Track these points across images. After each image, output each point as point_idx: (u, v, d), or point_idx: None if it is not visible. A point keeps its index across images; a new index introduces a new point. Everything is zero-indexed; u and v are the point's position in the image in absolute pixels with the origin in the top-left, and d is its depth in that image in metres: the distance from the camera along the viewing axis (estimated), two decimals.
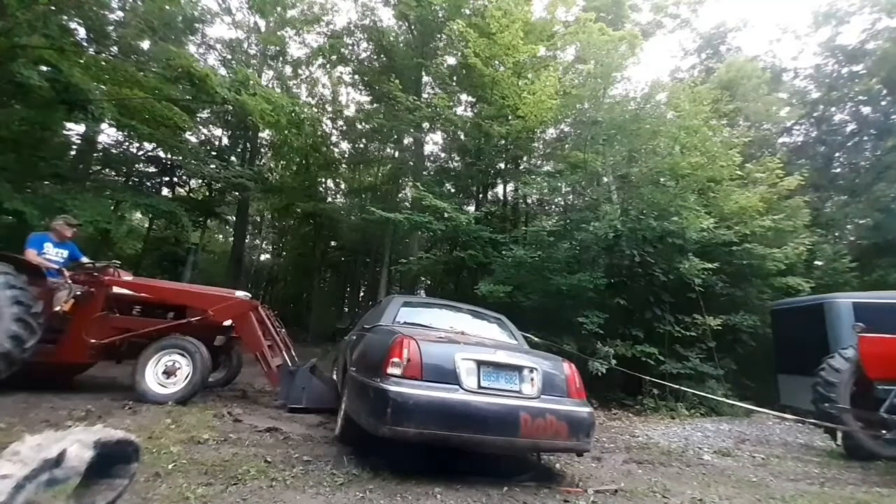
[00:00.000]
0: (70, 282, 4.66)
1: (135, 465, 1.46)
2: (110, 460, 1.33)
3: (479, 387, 2.92)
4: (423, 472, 2.98)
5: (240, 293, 5.25)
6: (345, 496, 2.49)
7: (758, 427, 6.42)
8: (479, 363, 2.99)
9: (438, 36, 14.30)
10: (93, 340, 4.52)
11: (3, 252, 4.44)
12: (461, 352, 3.03)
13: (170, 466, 2.63)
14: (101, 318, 4.68)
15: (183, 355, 4.47)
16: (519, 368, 3.12)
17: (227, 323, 5.16)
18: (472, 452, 3.41)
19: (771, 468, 4.35)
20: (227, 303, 5.00)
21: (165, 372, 4.43)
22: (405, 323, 3.88)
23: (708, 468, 4.18)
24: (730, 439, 5.61)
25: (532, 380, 3.09)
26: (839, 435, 4.91)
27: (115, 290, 4.88)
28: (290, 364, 5.08)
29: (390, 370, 2.81)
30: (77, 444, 1.18)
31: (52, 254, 4.87)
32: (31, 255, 4.64)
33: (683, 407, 7.23)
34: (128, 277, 5.33)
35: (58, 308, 4.49)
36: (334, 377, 5.53)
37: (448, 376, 2.88)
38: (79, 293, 4.64)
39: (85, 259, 5.07)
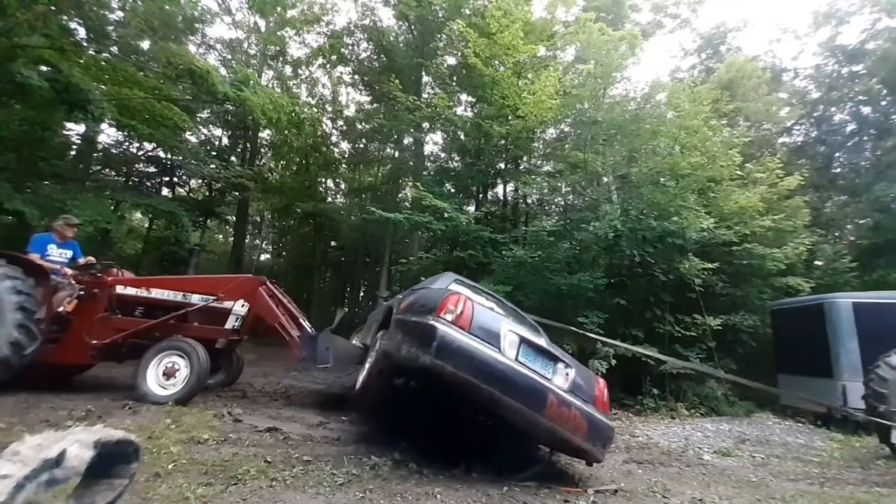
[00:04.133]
0: (73, 282, 4.67)
1: (135, 465, 1.46)
2: (110, 460, 1.33)
3: (517, 360, 3.02)
4: (423, 472, 2.98)
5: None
6: (345, 496, 2.49)
7: (758, 427, 6.42)
8: (522, 340, 3.10)
9: (438, 36, 14.30)
10: (94, 341, 4.53)
11: (11, 253, 4.45)
12: (508, 324, 3.14)
13: (170, 466, 2.63)
14: (103, 319, 4.68)
15: (181, 357, 4.47)
16: (556, 359, 3.23)
17: (229, 326, 5.14)
18: (483, 440, 3.42)
19: (771, 468, 4.35)
20: (235, 283, 5.06)
21: (165, 373, 4.44)
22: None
23: (708, 468, 4.18)
24: (730, 439, 5.61)
25: (566, 375, 3.20)
26: (894, 434, 4.69)
27: (119, 290, 4.88)
28: (308, 331, 5.11)
29: (443, 314, 2.92)
30: (77, 444, 1.18)
31: (56, 255, 4.88)
32: (34, 258, 4.63)
33: (683, 407, 7.23)
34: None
35: (61, 309, 4.50)
36: (356, 343, 5.72)
37: (492, 339, 2.98)
38: (81, 293, 4.65)
39: (82, 260, 5.05)
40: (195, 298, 5.03)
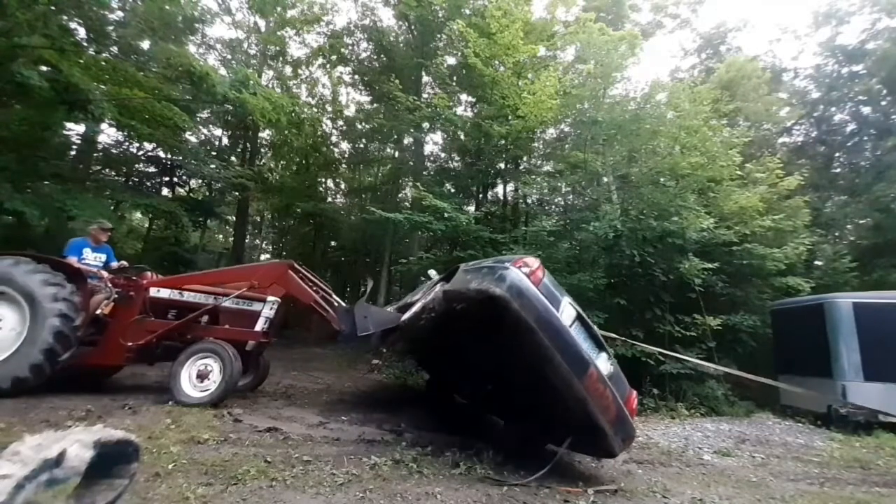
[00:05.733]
0: (110, 285, 4.79)
1: (135, 465, 1.46)
2: (110, 460, 1.33)
3: (570, 328, 3.19)
4: (423, 472, 2.99)
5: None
6: (345, 496, 2.49)
7: (758, 427, 6.42)
8: (578, 316, 3.32)
9: (438, 36, 14.27)
10: (129, 343, 4.65)
11: (54, 258, 4.56)
12: (568, 299, 3.35)
13: (170, 466, 2.63)
14: (139, 322, 4.79)
15: (214, 359, 4.53)
16: (602, 347, 3.41)
17: (259, 328, 5.12)
18: (484, 440, 3.42)
19: (771, 468, 4.35)
20: (265, 269, 5.27)
21: (199, 375, 4.50)
22: None
23: (708, 468, 4.19)
24: (730, 439, 5.61)
25: (609, 365, 3.35)
26: None
27: (152, 293, 4.97)
28: (343, 304, 5.19)
29: (519, 266, 3.14)
30: (77, 444, 1.18)
31: (91, 258, 5.01)
32: (72, 262, 4.72)
33: (683, 407, 7.23)
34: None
35: (98, 311, 4.63)
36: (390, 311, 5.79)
37: (554, 302, 3.16)
38: (116, 296, 4.77)
39: (115, 263, 5.18)
40: (226, 302, 5.07)
